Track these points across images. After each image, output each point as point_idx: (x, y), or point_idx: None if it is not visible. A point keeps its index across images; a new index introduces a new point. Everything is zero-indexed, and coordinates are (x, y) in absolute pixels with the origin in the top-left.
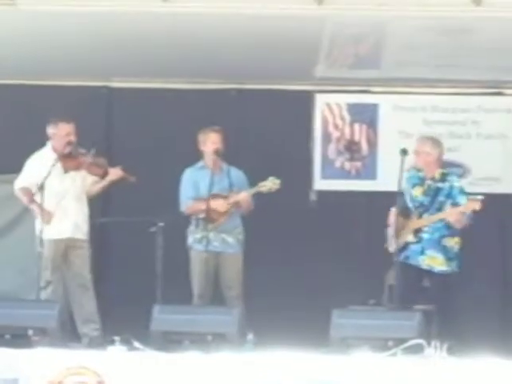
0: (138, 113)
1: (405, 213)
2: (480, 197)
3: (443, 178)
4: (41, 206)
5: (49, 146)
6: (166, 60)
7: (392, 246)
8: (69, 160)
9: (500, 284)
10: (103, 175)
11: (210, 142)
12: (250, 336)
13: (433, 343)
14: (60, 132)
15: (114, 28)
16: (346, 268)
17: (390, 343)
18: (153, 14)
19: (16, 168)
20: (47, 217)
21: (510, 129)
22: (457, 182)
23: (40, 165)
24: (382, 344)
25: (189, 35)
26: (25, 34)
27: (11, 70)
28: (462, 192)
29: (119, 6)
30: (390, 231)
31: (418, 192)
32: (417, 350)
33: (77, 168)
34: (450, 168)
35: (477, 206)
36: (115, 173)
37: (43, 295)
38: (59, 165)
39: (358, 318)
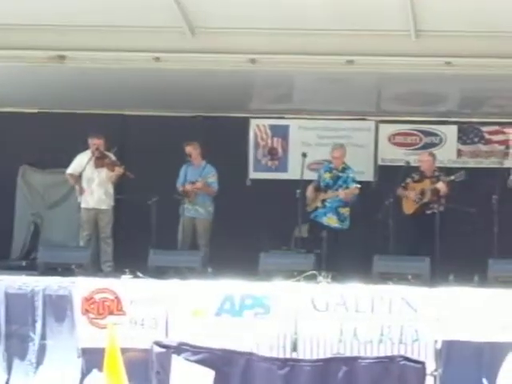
0: (143, 131)
1: (317, 188)
2: (359, 185)
3: (343, 170)
4: (80, 185)
5: (89, 150)
6: (160, 97)
7: (310, 207)
8: (98, 160)
9: (366, 236)
10: (113, 171)
11: (187, 150)
12: (210, 269)
13: (322, 273)
14: (91, 143)
15: (127, 77)
16: (270, 227)
17: (296, 273)
18: (151, 69)
19: (65, 165)
20: (81, 192)
21: (369, 141)
22: (351, 174)
23: (81, 160)
24: (291, 274)
25: (172, 81)
26: (70, 80)
27: (60, 102)
28: (353, 181)
29: (130, 65)
30: (308, 199)
31: (327, 176)
32: (312, 278)
33: (102, 166)
34: None
35: (357, 191)
36: (118, 170)
37: (82, 243)
38: (92, 162)
39: (276, 258)
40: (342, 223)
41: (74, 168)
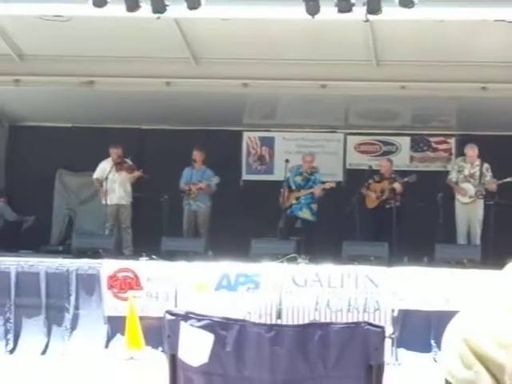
0: (156, 142)
1: (290, 189)
2: (333, 183)
3: (312, 173)
4: (102, 189)
5: (110, 158)
6: (170, 114)
7: (284, 205)
8: (118, 165)
9: (337, 226)
10: (132, 173)
11: (194, 155)
12: (210, 252)
13: (301, 256)
14: (112, 152)
15: (143, 98)
16: (258, 220)
17: (280, 256)
18: (163, 92)
19: (93, 169)
20: (104, 195)
21: (339, 149)
22: (319, 177)
23: (104, 166)
24: (276, 257)
25: (180, 101)
26: (97, 100)
27: (89, 118)
28: (320, 181)
29: (146, 88)
30: (283, 200)
31: (298, 178)
32: (293, 259)
33: (122, 169)
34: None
35: (333, 184)
36: (136, 173)
37: (107, 232)
38: (114, 167)
39: (264, 244)
40: (313, 216)
41: (98, 173)
